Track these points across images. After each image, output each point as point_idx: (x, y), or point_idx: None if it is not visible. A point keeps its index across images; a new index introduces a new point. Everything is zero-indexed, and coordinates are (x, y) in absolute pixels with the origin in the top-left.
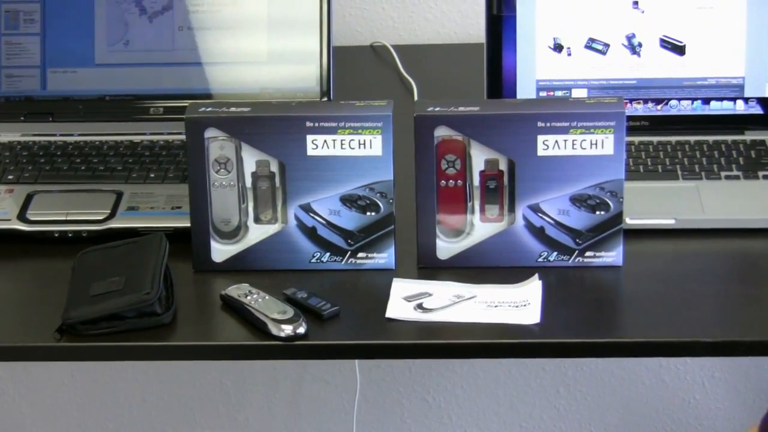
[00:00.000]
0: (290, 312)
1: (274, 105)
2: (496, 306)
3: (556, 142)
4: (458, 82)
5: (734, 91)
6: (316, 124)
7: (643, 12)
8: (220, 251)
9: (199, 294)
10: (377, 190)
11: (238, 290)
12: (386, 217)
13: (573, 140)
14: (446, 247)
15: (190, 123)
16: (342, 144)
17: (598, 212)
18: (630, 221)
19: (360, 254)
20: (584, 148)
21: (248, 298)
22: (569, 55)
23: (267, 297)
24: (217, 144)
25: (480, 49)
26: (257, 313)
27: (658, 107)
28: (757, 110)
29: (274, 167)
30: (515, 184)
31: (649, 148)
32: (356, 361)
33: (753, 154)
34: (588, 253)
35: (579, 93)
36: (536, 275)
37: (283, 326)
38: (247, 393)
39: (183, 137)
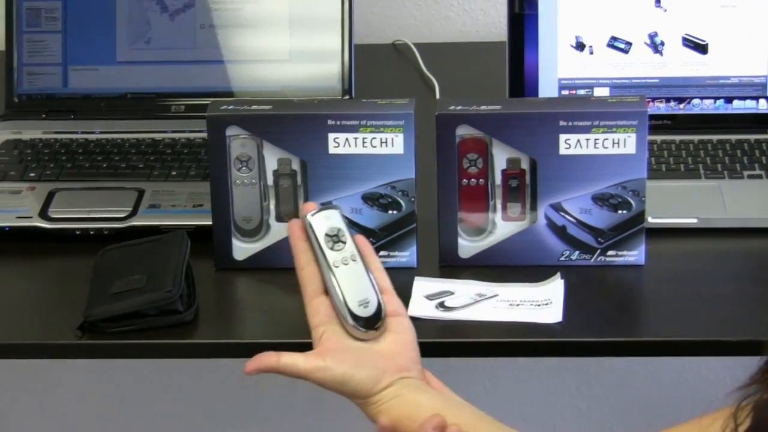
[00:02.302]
0: (373, 305)
1: (295, 103)
2: (517, 305)
3: (578, 141)
4: (480, 80)
5: (757, 89)
6: (338, 122)
7: (665, 11)
8: (242, 249)
9: (221, 292)
10: (399, 189)
11: (327, 221)
12: (408, 215)
13: (595, 139)
14: (468, 246)
15: (211, 121)
16: (363, 142)
17: (620, 211)
18: (652, 220)
19: (382, 252)
20: (606, 147)
21: (337, 251)
22: (591, 53)
23: (359, 262)
24: (239, 142)
25: (502, 47)
26: (337, 289)
27: (681, 106)
28: None
29: (295, 165)
30: (537, 182)
31: (672, 147)
32: None
33: None
34: (610, 252)
35: (601, 92)
36: (558, 274)
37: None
38: (268, 391)
39: (204, 135)
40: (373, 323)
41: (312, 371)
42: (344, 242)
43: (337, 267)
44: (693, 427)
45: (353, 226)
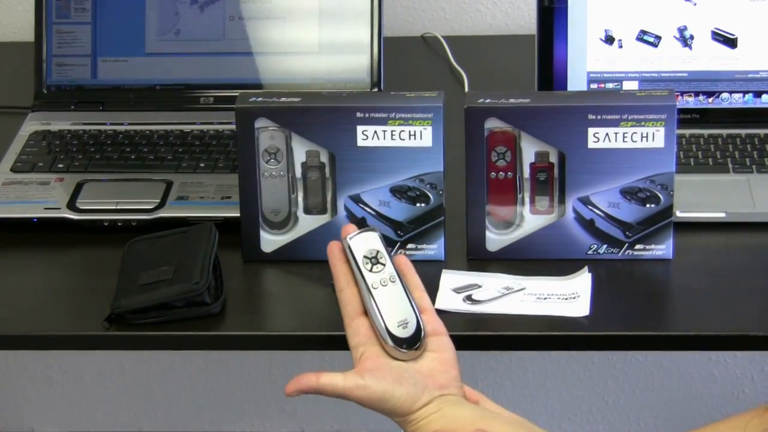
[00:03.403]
0: (412, 325)
1: (324, 95)
2: (545, 298)
3: (607, 134)
4: (509, 73)
5: None
6: (367, 115)
7: (695, 4)
8: (270, 241)
9: (249, 284)
10: (427, 182)
11: (366, 243)
12: (436, 208)
13: (624, 133)
14: (496, 239)
15: (240, 113)
16: (392, 135)
17: (648, 205)
18: (680, 214)
19: (410, 245)
20: (635, 141)
21: (375, 273)
22: (620, 47)
23: (398, 283)
24: (267, 134)
25: (531, 40)
26: (376, 310)
27: (710, 100)
28: None
29: (324, 158)
30: (565, 176)
31: (700, 141)
32: None
33: None
34: (638, 246)
35: (630, 85)
36: (586, 268)
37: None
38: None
39: (233, 127)
40: (412, 344)
41: (351, 390)
42: (383, 264)
43: (375, 288)
44: (726, 427)
45: (381, 218)
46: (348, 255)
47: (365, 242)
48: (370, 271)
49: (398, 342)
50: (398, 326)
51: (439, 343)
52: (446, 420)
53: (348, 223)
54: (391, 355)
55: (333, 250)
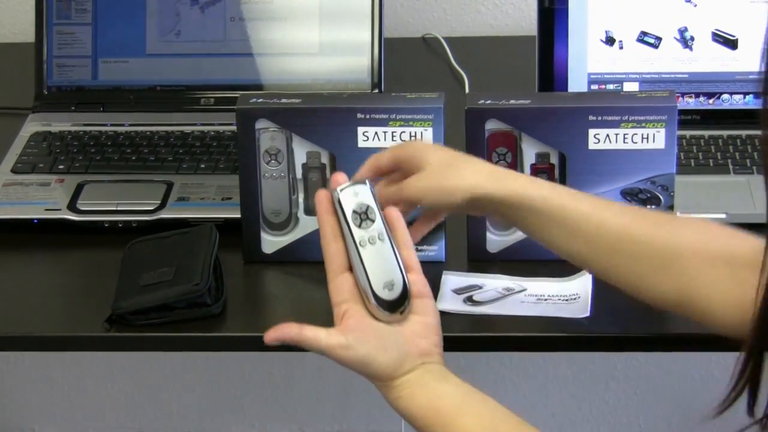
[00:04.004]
0: (398, 287)
1: (325, 96)
2: (546, 299)
3: (608, 135)
4: (510, 74)
5: None
6: (367, 116)
7: (695, 6)
8: (270, 242)
9: (249, 285)
10: None
11: (355, 198)
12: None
13: (624, 134)
14: (496, 240)
15: (240, 114)
16: (393, 136)
17: (648, 206)
18: (681, 215)
19: None
20: (635, 142)
21: (364, 229)
22: (621, 48)
23: (386, 241)
24: (268, 135)
25: (532, 41)
26: (362, 270)
27: (710, 101)
28: None
29: (324, 159)
30: (566, 177)
31: (701, 142)
32: None
33: None
34: None
35: (631, 86)
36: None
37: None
38: (295, 384)
39: (234, 128)
40: (397, 306)
41: (333, 348)
42: (372, 220)
43: (363, 246)
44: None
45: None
46: (336, 208)
47: (355, 196)
48: (359, 227)
49: (383, 304)
50: (384, 288)
51: (424, 306)
52: (431, 396)
53: (338, 172)
54: (375, 316)
55: (321, 199)
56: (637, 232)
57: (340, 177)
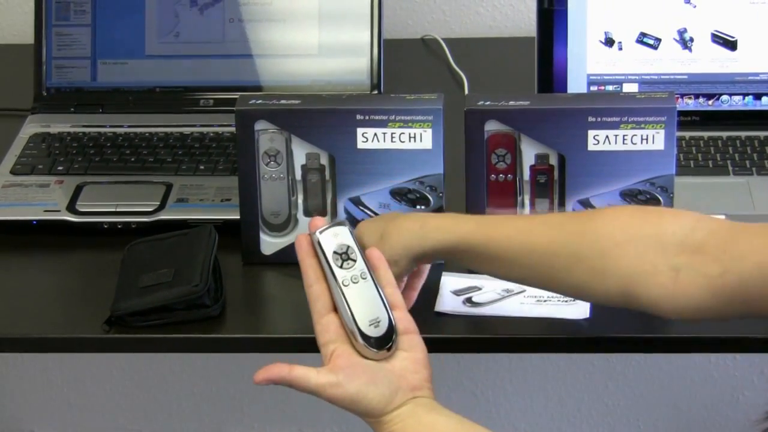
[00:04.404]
0: (384, 324)
1: (324, 98)
2: (545, 300)
3: (607, 137)
4: (509, 76)
5: None
6: (367, 117)
7: (695, 7)
8: (270, 244)
9: (248, 287)
10: (427, 184)
11: (335, 239)
12: (436, 210)
13: (624, 135)
14: None
15: (240, 115)
16: (392, 137)
17: None
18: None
19: None
20: (635, 143)
21: (346, 269)
22: (620, 49)
23: (369, 280)
24: (267, 136)
25: (531, 43)
26: (347, 309)
27: (710, 102)
28: None
29: (324, 160)
30: (565, 178)
31: (700, 144)
32: None
33: None
34: None
35: (630, 88)
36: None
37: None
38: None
39: (233, 129)
40: (384, 343)
41: (324, 387)
42: (354, 260)
43: (346, 285)
44: None
45: None
46: (317, 250)
47: (335, 237)
48: (341, 267)
49: (370, 341)
50: (370, 325)
51: (411, 342)
52: (424, 428)
53: (315, 216)
54: (363, 355)
55: (301, 243)
56: (564, 242)
57: (318, 221)
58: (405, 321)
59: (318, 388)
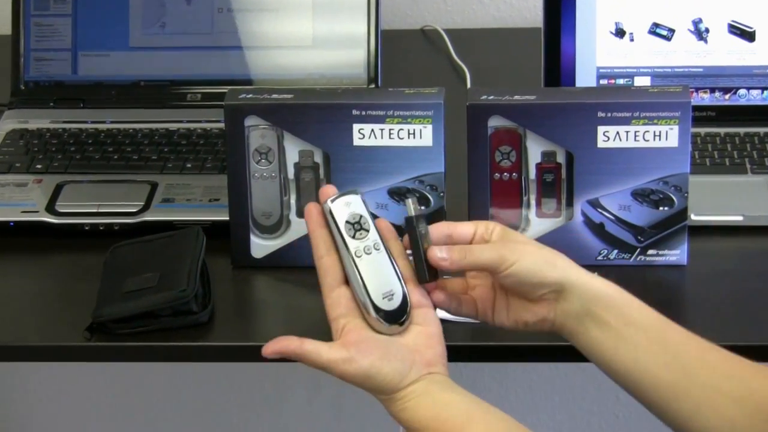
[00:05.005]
0: (398, 297)
1: (318, 92)
2: None
3: (618, 133)
4: (514, 69)
5: None
6: (363, 113)
7: None
8: (261, 246)
9: (238, 291)
10: (427, 183)
11: (347, 208)
12: (437, 211)
13: (635, 131)
14: None
15: (229, 110)
16: (390, 134)
17: (661, 208)
18: (695, 218)
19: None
20: (647, 140)
21: (359, 239)
22: (632, 40)
23: (382, 251)
24: (258, 133)
25: (537, 34)
26: (360, 281)
27: (726, 97)
28: None
29: (318, 158)
30: (573, 177)
31: (716, 140)
32: None
33: None
34: (650, 251)
35: (642, 81)
36: (595, 274)
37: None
38: (287, 397)
39: (222, 125)
40: (398, 317)
41: (336, 362)
42: (367, 230)
43: (359, 257)
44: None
45: None
46: (328, 220)
47: (347, 206)
48: (353, 237)
49: (383, 315)
50: (383, 298)
51: (425, 316)
52: (437, 406)
53: (327, 184)
54: (375, 329)
55: (312, 213)
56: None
57: (329, 189)
58: (418, 294)
59: (330, 363)
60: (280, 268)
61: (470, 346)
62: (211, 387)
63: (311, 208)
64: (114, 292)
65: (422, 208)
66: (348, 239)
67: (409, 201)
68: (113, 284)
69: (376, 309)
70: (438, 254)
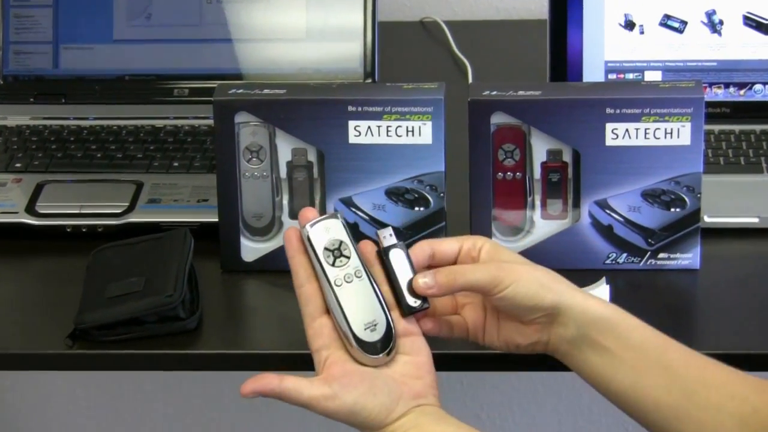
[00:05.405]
0: (382, 327)
1: (312, 87)
2: None
3: (627, 130)
4: (518, 63)
5: None
6: (360, 109)
7: None
8: (251, 249)
9: (228, 297)
10: (426, 183)
11: (326, 234)
12: (436, 212)
13: (645, 129)
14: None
15: (218, 106)
16: (388, 131)
17: (672, 209)
18: (708, 219)
19: None
20: (658, 138)
21: (338, 267)
22: (642, 33)
23: (364, 278)
24: (249, 130)
25: (542, 26)
26: (339, 312)
27: (741, 92)
28: None
29: (311, 156)
30: (580, 177)
31: (731, 138)
32: None
33: None
34: (661, 255)
35: (652, 76)
36: (604, 279)
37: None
38: (280, 409)
39: (211, 122)
40: (382, 348)
41: (317, 399)
42: (347, 256)
43: (339, 286)
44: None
45: (375, 223)
46: (307, 246)
47: (326, 232)
48: (333, 265)
49: (366, 347)
50: (366, 329)
51: (413, 345)
52: None
53: (306, 207)
54: (359, 361)
55: (291, 238)
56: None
57: (309, 212)
58: (405, 322)
59: (311, 401)
60: (271, 272)
61: (467, 354)
62: (199, 397)
63: (290, 233)
64: (97, 297)
65: (392, 236)
66: (327, 267)
67: (379, 233)
68: (96, 289)
69: (358, 340)
70: (421, 282)
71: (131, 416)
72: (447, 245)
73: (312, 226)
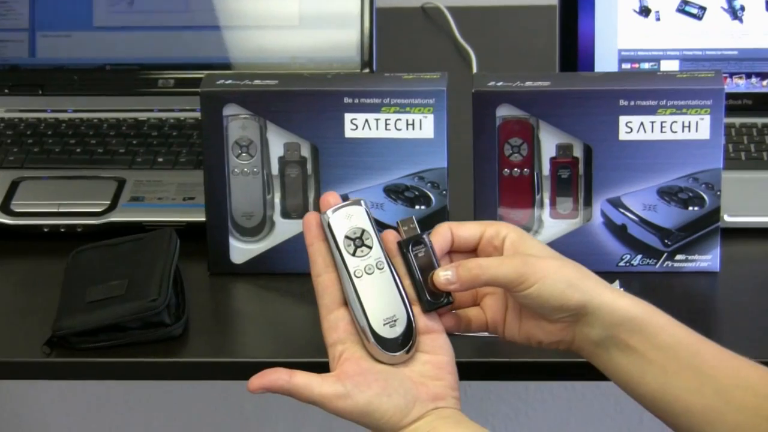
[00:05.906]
0: (402, 323)
1: (306, 77)
2: None
3: (642, 124)
4: (525, 51)
5: None
6: (356, 101)
7: None
8: (241, 250)
9: (216, 301)
10: (428, 180)
11: (348, 221)
12: (438, 211)
13: (661, 122)
14: None
15: (206, 98)
16: (386, 124)
17: (690, 208)
18: (729, 219)
19: None
20: (675, 132)
21: (359, 257)
22: (658, 20)
23: (386, 270)
24: (238, 123)
25: (552, 12)
26: (358, 305)
27: (764, 83)
28: None
29: (305, 151)
30: (592, 173)
31: (753, 132)
32: None
33: None
34: (678, 257)
35: (669, 65)
36: (617, 282)
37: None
38: (270, 419)
39: (198, 115)
40: (401, 346)
41: (329, 398)
42: (369, 246)
43: (359, 277)
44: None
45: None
46: (327, 233)
47: (348, 219)
48: (353, 254)
49: (384, 343)
50: (384, 324)
51: (434, 343)
52: None
53: (328, 191)
54: (375, 358)
55: (310, 224)
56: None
57: (330, 197)
58: (427, 318)
59: (322, 399)
60: (262, 275)
61: (472, 363)
62: (185, 407)
63: (310, 218)
64: (76, 301)
65: (414, 226)
66: (347, 257)
67: (399, 222)
68: (75, 293)
69: (376, 336)
70: (443, 277)
71: (112, 428)
72: (468, 230)
73: (333, 212)
